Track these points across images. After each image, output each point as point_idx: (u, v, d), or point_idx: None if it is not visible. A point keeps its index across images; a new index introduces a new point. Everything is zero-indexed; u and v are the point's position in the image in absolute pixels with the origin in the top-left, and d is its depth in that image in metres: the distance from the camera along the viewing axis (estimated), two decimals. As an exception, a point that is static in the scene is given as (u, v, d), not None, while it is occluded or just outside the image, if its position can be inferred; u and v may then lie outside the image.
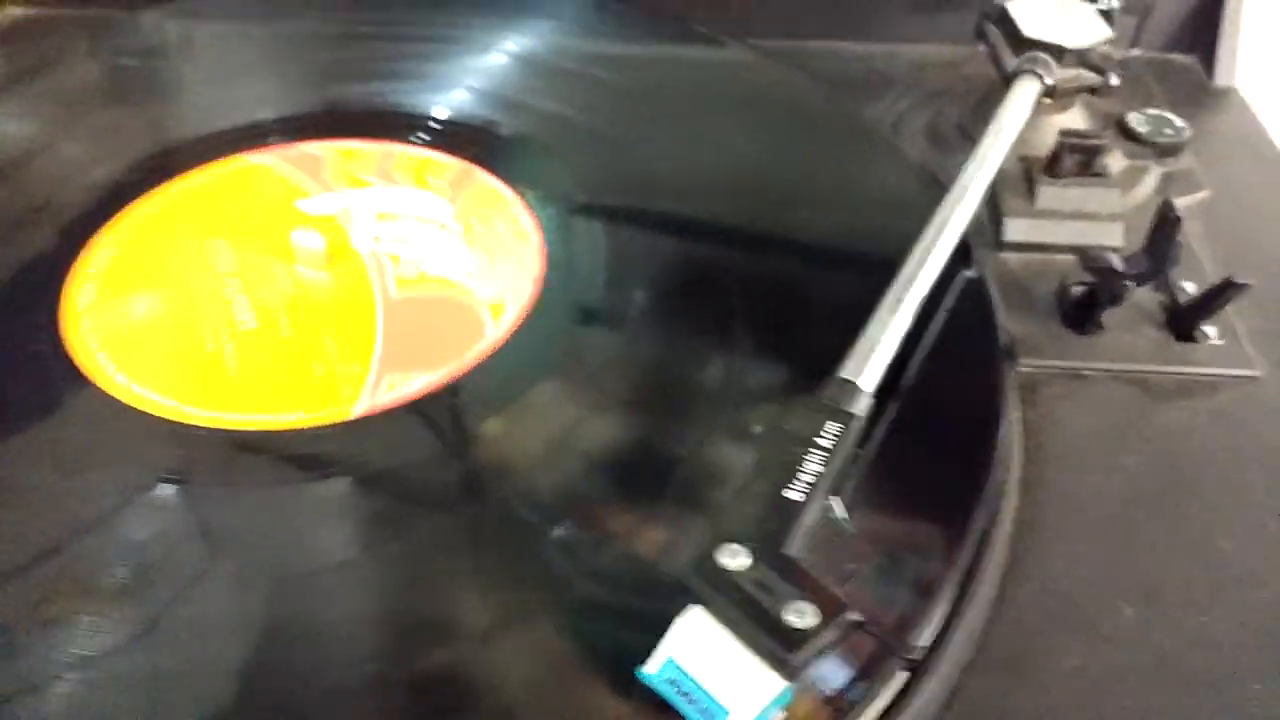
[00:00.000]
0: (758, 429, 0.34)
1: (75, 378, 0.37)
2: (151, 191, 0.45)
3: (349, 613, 0.30)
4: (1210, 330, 0.40)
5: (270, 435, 0.35)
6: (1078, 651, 0.30)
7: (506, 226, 0.43)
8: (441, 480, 0.34)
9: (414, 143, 0.48)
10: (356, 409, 0.35)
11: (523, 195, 0.44)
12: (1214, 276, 0.42)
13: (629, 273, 0.41)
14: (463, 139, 0.48)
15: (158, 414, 0.35)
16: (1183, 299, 0.40)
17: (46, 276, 0.41)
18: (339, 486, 0.33)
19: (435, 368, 0.37)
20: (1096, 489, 0.35)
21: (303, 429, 0.35)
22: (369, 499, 0.33)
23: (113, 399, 0.36)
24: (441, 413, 0.36)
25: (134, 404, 0.36)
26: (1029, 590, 0.32)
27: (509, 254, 0.42)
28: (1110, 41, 0.45)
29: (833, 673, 0.26)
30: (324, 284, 0.41)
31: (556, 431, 0.35)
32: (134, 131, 0.50)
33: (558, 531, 0.31)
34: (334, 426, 0.35)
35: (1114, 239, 0.43)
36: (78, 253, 0.42)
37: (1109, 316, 0.40)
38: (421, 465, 0.35)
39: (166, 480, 0.33)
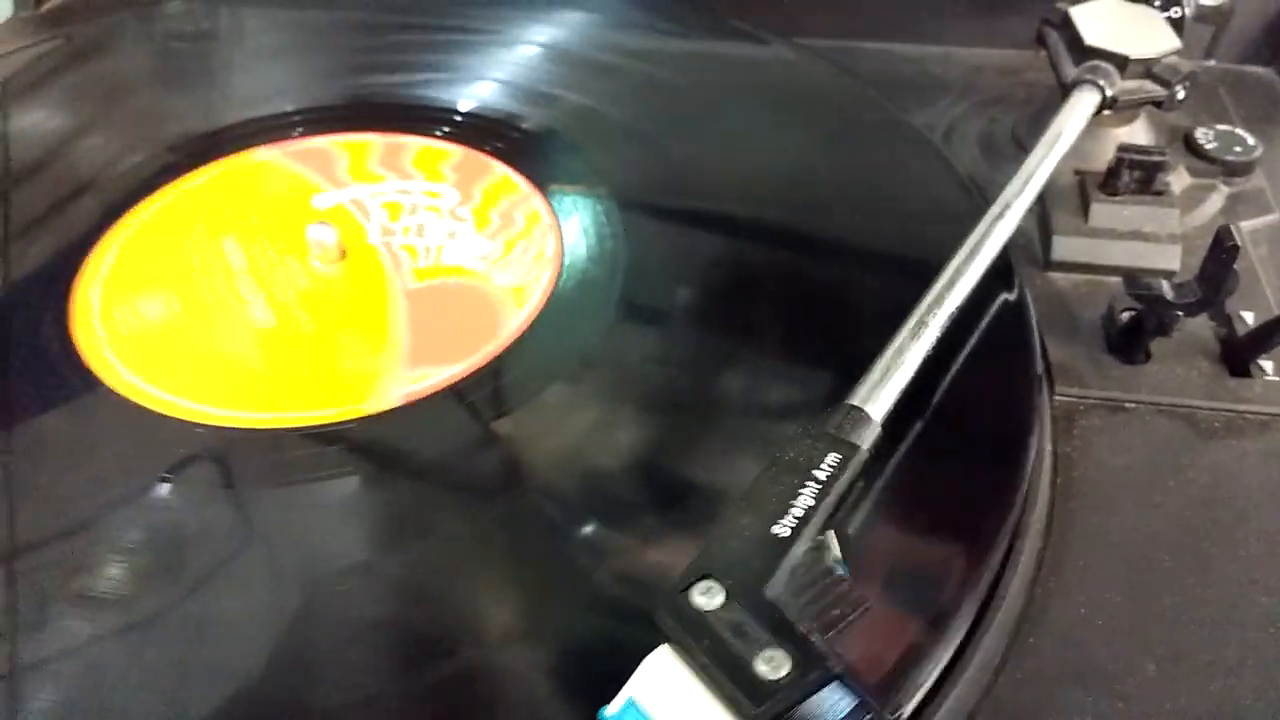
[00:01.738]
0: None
1: (83, 376, 0.36)
2: (162, 188, 0.44)
3: (369, 605, 0.29)
4: (1267, 365, 0.37)
5: (295, 431, 0.34)
6: (1091, 710, 0.28)
7: (523, 216, 0.42)
8: (473, 472, 0.33)
9: (438, 136, 0.46)
10: (391, 398, 0.35)
11: (543, 188, 0.43)
12: (1277, 307, 0.40)
13: (652, 267, 0.40)
14: (487, 133, 0.46)
15: (173, 414, 0.35)
16: (1240, 330, 0.37)
17: (56, 274, 0.40)
18: (368, 481, 0.33)
19: (461, 358, 0.36)
20: (1130, 532, 0.33)
21: (332, 424, 0.34)
22: (397, 492, 0.33)
23: (123, 398, 0.35)
24: (468, 404, 0.35)
25: (148, 404, 0.35)
26: (1046, 639, 0.30)
27: (527, 242, 0.41)
28: (1178, 52, 0.42)
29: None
30: (340, 278, 0.40)
31: (578, 426, 0.34)
32: (150, 123, 0.49)
33: (580, 531, 0.30)
34: (360, 421, 0.34)
35: (1171, 262, 0.41)
36: (88, 251, 0.41)
37: (1158, 346, 0.38)
38: (452, 457, 0.34)
39: (176, 479, 0.32)
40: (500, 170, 0.45)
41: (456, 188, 0.44)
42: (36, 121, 0.50)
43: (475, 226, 0.42)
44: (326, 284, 0.40)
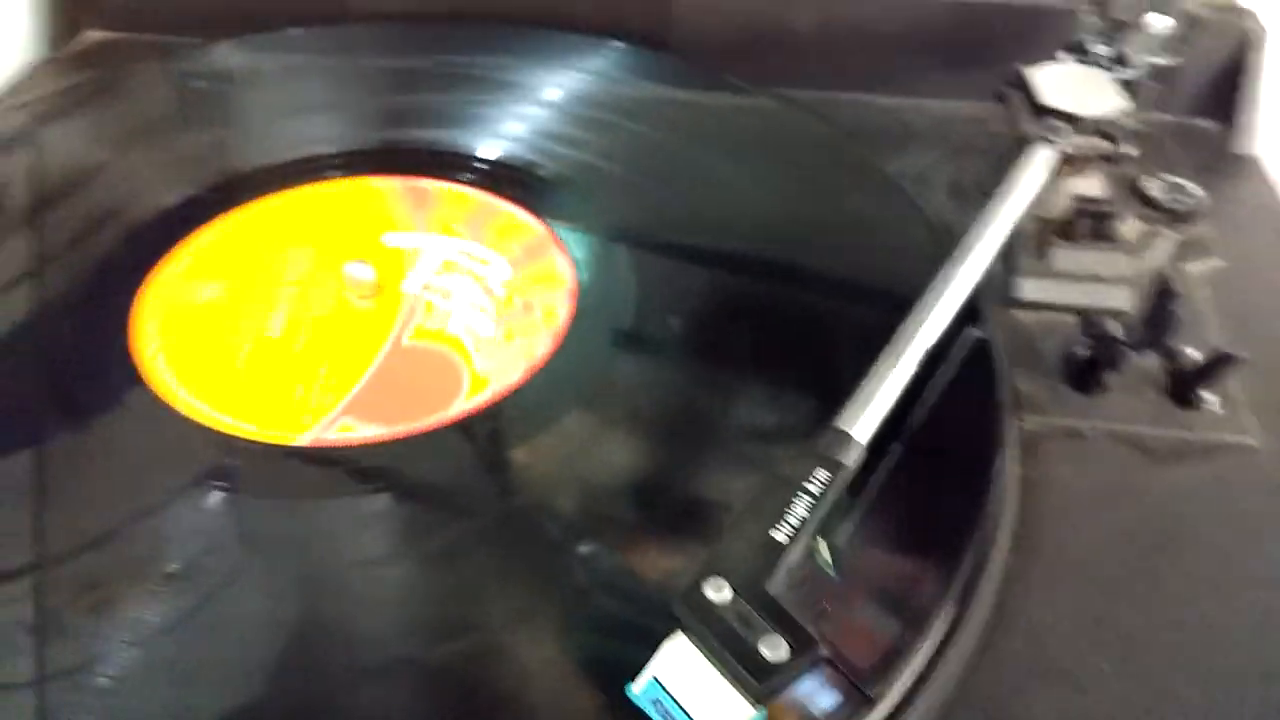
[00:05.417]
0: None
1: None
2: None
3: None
4: (1211, 397, 0.41)
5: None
6: (1053, 701, 0.32)
7: (542, 310, 0.43)
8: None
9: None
10: (300, 439, 0.38)
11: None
12: (1221, 344, 0.44)
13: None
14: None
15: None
16: (1186, 364, 0.41)
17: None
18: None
19: (392, 423, 0.38)
20: (1088, 546, 0.36)
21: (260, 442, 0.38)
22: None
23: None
24: (377, 467, 0.37)
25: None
26: (1013, 640, 0.33)
27: (526, 338, 0.42)
28: (1128, 113, 0.46)
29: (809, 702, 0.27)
30: (355, 314, 0.43)
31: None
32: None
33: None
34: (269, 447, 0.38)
35: (1122, 302, 0.44)
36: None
37: (1112, 378, 0.41)
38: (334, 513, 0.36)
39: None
40: (554, 255, 0.46)
41: (512, 264, 0.46)
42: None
43: (497, 310, 0.43)
44: (343, 315, 0.43)
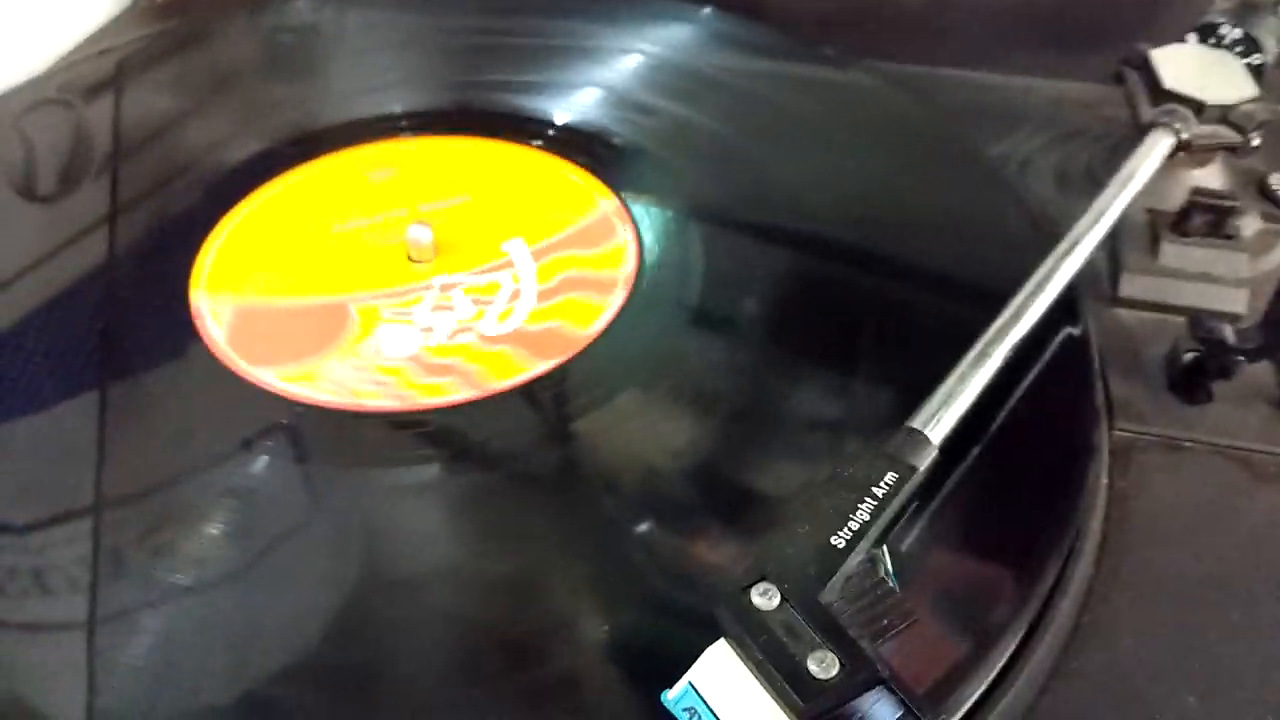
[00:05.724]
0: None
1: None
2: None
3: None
4: (1325, 415, 0.38)
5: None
6: (1131, 736, 0.29)
7: (450, 380, 0.38)
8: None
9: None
10: (194, 295, 0.41)
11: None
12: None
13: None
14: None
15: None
16: (1302, 378, 0.38)
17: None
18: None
19: (235, 348, 0.39)
20: (1179, 567, 0.34)
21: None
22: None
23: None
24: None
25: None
26: (1090, 665, 0.31)
27: (396, 384, 0.38)
28: (1256, 100, 0.43)
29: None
30: (392, 264, 0.43)
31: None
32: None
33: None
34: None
35: (1238, 305, 0.41)
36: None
37: (1219, 388, 0.38)
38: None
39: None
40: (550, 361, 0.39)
41: (515, 337, 0.40)
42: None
43: (432, 351, 0.39)
44: (385, 257, 0.43)
